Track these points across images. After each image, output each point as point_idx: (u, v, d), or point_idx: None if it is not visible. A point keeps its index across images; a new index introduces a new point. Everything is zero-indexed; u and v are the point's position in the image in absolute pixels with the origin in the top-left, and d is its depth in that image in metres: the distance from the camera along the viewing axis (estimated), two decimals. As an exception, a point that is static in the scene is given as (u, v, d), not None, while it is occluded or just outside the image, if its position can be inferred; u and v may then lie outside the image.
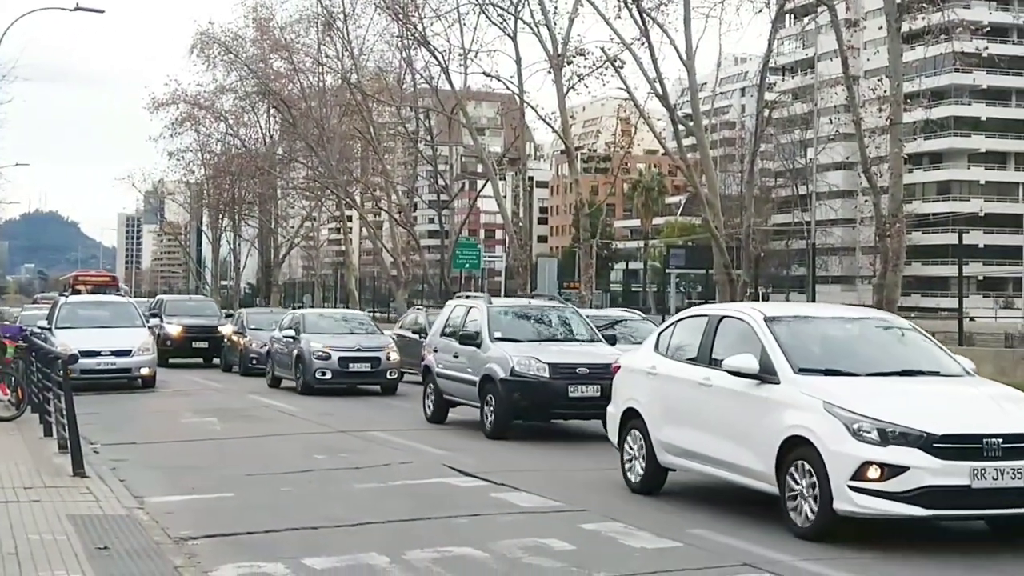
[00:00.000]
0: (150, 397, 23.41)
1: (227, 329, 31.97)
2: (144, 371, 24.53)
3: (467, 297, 20.11)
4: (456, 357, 17.73)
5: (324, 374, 23.42)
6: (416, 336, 25.16)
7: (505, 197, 44.29)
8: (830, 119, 61.66)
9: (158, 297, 41.68)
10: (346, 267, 56.06)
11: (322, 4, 42.99)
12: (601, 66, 29.98)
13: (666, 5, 27.28)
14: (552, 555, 8.74)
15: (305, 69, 48.16)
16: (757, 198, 40.60)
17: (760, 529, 9.80)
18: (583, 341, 17.30)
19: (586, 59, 30.57)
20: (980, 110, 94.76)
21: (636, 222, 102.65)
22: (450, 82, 37.44)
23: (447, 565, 8.37)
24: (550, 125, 33.27)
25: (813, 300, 26.64)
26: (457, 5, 34.95)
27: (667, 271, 54.50)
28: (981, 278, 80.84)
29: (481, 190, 46.61)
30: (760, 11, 27.09)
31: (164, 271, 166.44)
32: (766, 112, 29.06)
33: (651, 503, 11.35)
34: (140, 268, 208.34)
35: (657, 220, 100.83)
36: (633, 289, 67.90)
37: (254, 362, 28.49)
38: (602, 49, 29.58)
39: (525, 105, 33.85)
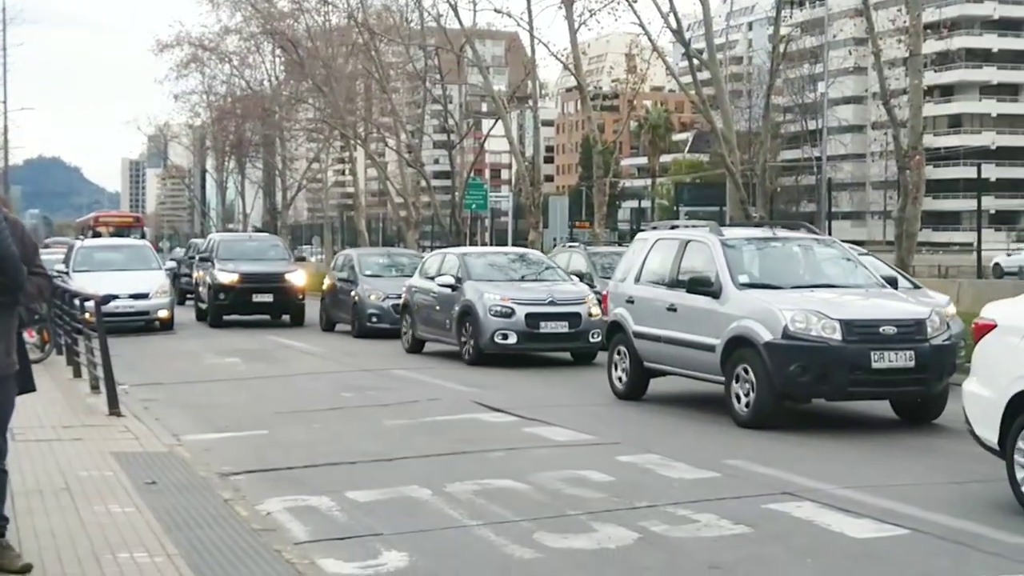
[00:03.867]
0: (169, 339, 23.50)
1: (329, 277, 25.64)
2: (162, 313, 24.64)
3: (672, 228, 14.68)
4: (672, 311, 12.98)
5: (505, 336, 17.54)
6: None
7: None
8: (849, 51, 61.12)
9: (210, 236, 34.32)
10: (355, 208, 55.94)
11: (327, -58, 42.55)
12: (613, 0, 29.76)
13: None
14: (592, 486, 8.81)
15: (310, 8, 47.73)
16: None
17: (796, 459, 9.88)
18: (864, 287, 12.62)
19: (599, -7, 30.29)
20: (992, 41, 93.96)
21: (643, 160, 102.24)
22: (459, 19, 37.17)
23: (489, 496, 8.45)
24: (562, 62, 33.02)
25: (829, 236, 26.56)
26: (466, -60, 34.64)
27: (676, 209, 54.35)
28: (993, 211, 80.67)
29: (491, 129, 46.40)
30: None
31: (168, 215, 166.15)
32: (781, 47, 28.73)
33: (684, 436, 11.44)
34: (144, 212, 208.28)
35: (664, 158, 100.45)
36: (641, 228, 67.81)
37: (374, 320, 22.78)
38: (616, -18, 29.30)
39: (535, 42, 33.62)
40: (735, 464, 9.64)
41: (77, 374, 14.91)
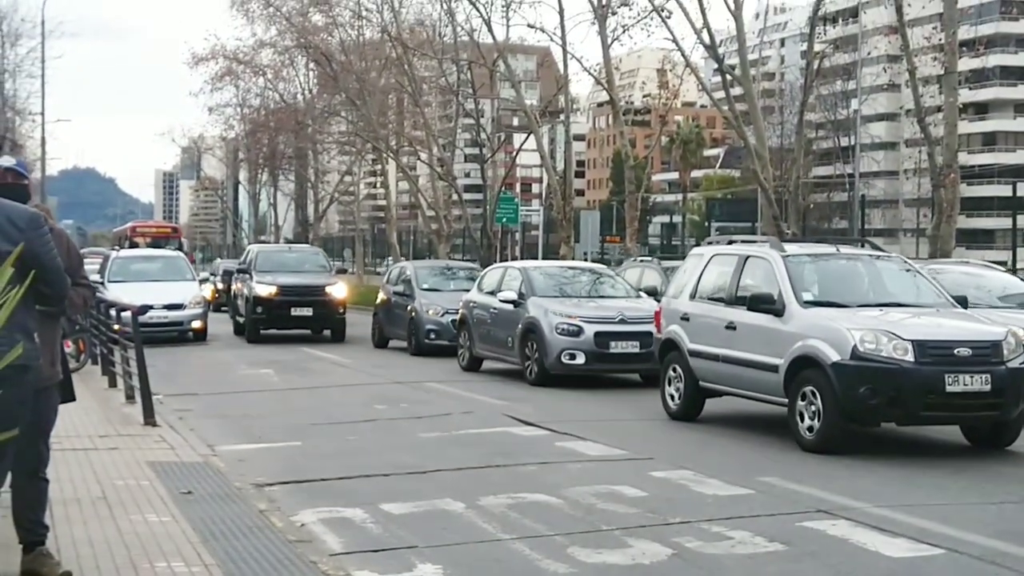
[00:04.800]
0: (203, 350, 23.63)
1: (383, 290, 24.64)
2: (196, 324, 24.85)
3: (730, 243, 14.05)
4: (731, 328, 12.46)
5: (572, 357, 16.68)
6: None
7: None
8: (884, 68, 60.79)
9: (249, 247, 33.25)
10: (387, 221, 56.13)
11: (362, -44, 42.82)
12: (646, 16, 29.78)
13: (714, -47, 27.04)
14: (625, 501, 8.81)
15: (344, 22, 48.06)
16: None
17: (830, 477, 9.84)
18: (934, 306, 12.02)
19: (631, 9, 30.38)
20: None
21: (674, 175, 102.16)
22: (492, 34, 37.28)
23: (523, 511, 8.46)
24: (594, 76, 33.10)
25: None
26: (500, -45, 34.70)
27: (707, 224, 54.23)
28: (1028, 230, 80.00)
29: (523, 143, 46.50)
30: (810, -42, 26.77)
31: (201, 226, 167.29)
32: (815, 63, 28.68)
33: (717, 452, 11.41)
34: (177, 224, 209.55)
35: (695, 173, 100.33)
36: (672, 243, 67.74)
37: (432, 336, 21.75)
38: (649, -1, 29.32)
39: (568, 57, 33.68)
40: (769, 481, 9.61)
41: (113, 384, 15.04)
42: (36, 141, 52.28)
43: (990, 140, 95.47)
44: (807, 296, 11.82)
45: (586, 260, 33.04)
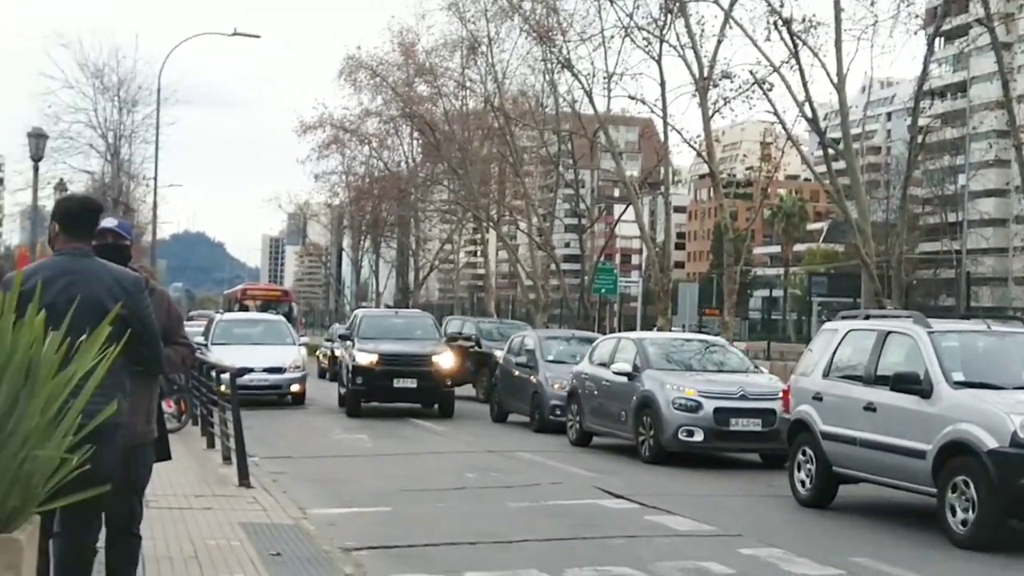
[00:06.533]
0: (300, 413, 23.94)
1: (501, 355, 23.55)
2: (295, 388, 25.17)
3: (866, 318, 13.24)
4: (871, 410, 11.60)
5: (690, 433, 15.82)
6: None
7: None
8: (990, 143, 59.86)
9: (355, 312, 31.75)
10: (485, 290, 56.59)
11: (467, 29, 43.65)
12: (748, 89, 29.77)
13: (816, 27, 26.94)
14: (712, 578, 8.71)
15: (448, 92, 48.91)
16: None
17: (922, 559, 9.61)
18: None
19: (732, 82, 30.41)
20: None
21: (776, 248, 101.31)
22: (593, 105, 37.60)
23: (608, 584, 8.41)
24: (695, 149, 33.14)
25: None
26: (602, 29, 35.02)
27: (809, 299, 53.60)
28: None
29: (622, 214, 46.64)
30: (915, 33, 26.59)
31: (305, 292, 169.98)
32: (920, 137, 28.37)
33: (808, 529, 11.23)
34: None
35: (798, 247, 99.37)
36: (773, 317, 67.08)
37: (558, 412, 19.98)
38: (750, 72, 29.38)
39: (669, 128, 33.80)
40: (860, 562, 9.42)
41: (211, 444, 15.32)
42: (148, 205, 53.71)
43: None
44: (957, 376, 10.89)
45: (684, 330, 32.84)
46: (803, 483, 12.59)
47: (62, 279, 5.50)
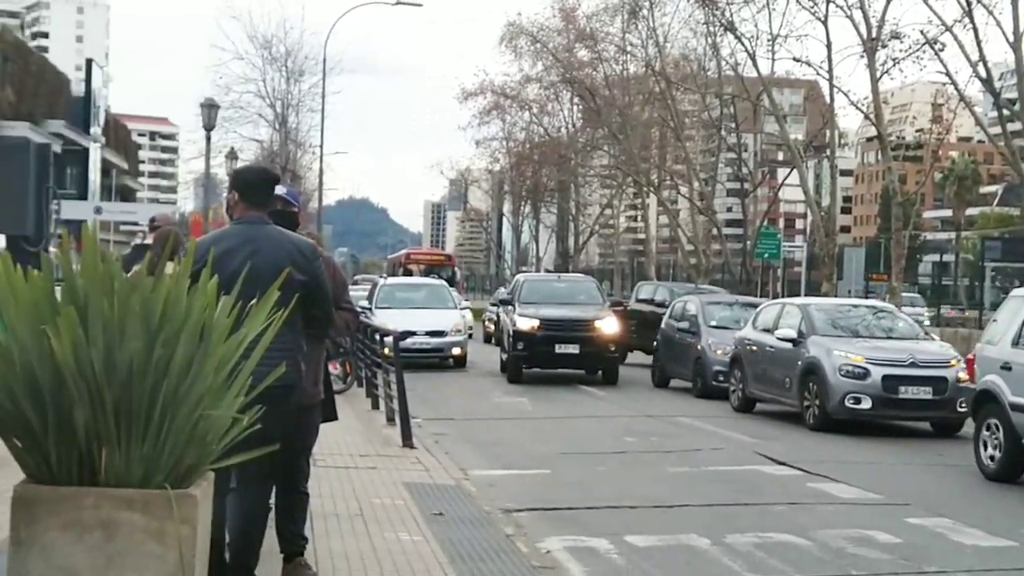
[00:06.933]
0: (462, 376, 24.27)
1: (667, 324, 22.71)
2: (456, 351, 25.51)
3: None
4: None
5: (857, 401, 15.44)
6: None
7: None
8: None
9: (516, 277, 31.12)
10: (645, 255, 56.29)
11: (628, -8, 43.26)
12: (918, 49, 28.83)
13: (991, -17, 25.94)
14: (877, 547, 8.54)
15: (609, 57, 48.65)
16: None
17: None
18: None
19: (902, 42, 29.47)
20: None
21: (947, 212, 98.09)
22: (757, 68, 36.90)
23: (769, 551, 8.33)
24: (862, 111, 32.23)
25: None
26: (766, -10, 34.34)
27: (982, 264, 51.83)
28: None
29: (786, 178, 45.85)
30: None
31: (466, 256, 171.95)
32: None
33: (982, 501, 10.92)
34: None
35: (971, 211, 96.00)
36: (943, 283, 65.12)
37: (720, 378, 19.72)
38: (921, 31, 28.43)
39: (835, 91, 32.94)
40: (1035, 535, 9.13)
41: (375, 406, 15.66)
42: (315, 173, 55.19)
43: None
44: None
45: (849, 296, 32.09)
46: (991, 458, 12.02)
47: (246, 247, 5.71)
